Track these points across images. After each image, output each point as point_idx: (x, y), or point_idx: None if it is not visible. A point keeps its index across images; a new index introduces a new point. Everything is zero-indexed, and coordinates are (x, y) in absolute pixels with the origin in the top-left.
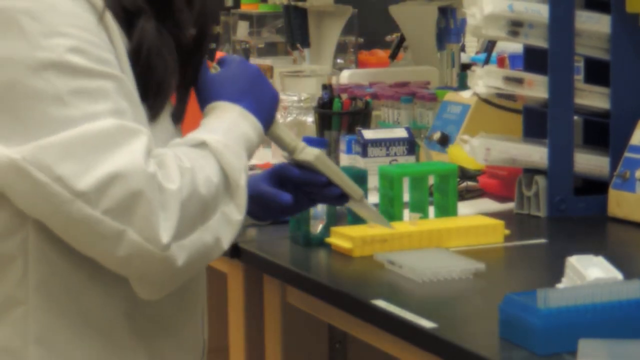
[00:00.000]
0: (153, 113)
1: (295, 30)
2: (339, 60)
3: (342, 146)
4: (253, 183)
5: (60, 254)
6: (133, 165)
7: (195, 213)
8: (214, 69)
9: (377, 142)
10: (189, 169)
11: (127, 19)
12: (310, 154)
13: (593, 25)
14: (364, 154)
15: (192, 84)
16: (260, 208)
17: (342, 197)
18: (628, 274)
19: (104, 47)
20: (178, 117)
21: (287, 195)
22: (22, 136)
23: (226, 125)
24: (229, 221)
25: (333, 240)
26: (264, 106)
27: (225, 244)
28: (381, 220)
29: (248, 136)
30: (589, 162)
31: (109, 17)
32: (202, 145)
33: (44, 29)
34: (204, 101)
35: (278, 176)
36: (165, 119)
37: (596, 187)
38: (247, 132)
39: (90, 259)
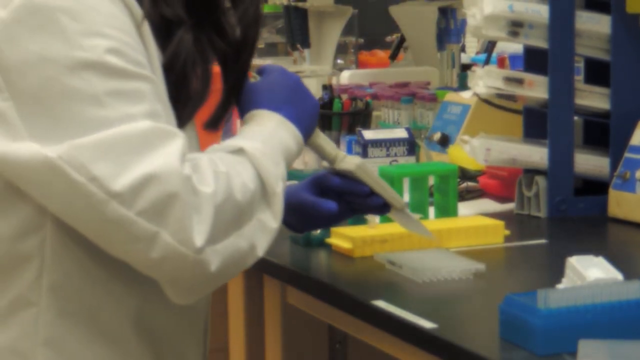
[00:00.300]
0: (179, 122)
1: (296, 31)
2: (339, 61)
3: (343, 147)
4: (293, 192)
5: (74, 257)
6: (168, 167)
7: (229, 218)
8: (253, 77)
9: (377, 143)
10: (224, 174)
11: (165, 27)
12: (351, 163)
13: (593, 26)
14: (364, 154)
15: (234, 91)
16: (300, 218)
17: (385, 206)
18: (628, 275)
19: (139, 50)
20: (215, 124)
21: (332, 203)
22: (57, 135)
23: (265, 133)
24: (264, 228)
25: (333, 240)
26: (304, 115)
27: (260, 251)
28: (423, 230)
29: (287, 145)
30: (589, 163)
31: (146, 26)
32: (239, 151)
33: (83, 29)
34: (244, 109)
35: (319, 185)
36: (189, 125)
37: (596, 188)
38: (286, 141)
39: (103, 264)
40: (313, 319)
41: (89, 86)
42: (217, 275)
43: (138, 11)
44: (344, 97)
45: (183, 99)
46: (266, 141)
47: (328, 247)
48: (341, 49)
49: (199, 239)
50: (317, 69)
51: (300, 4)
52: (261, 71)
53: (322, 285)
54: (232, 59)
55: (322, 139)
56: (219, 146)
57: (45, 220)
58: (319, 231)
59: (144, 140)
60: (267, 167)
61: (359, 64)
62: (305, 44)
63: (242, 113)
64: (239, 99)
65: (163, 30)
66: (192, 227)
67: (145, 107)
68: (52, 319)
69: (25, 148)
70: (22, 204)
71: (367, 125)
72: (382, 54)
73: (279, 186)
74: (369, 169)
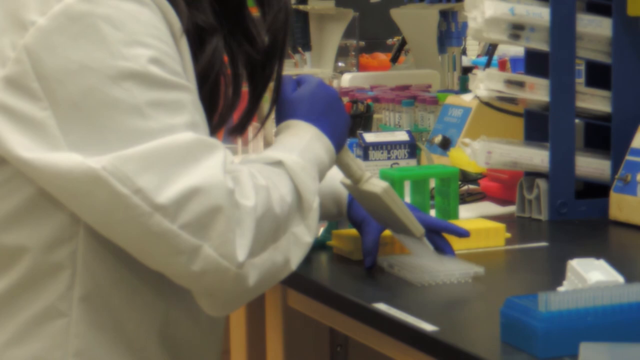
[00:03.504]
0: (211, 131)
1: (297, 34)
2: (340, 64)
3: None
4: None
5: (105, 268)
6: (213, 180)
7: (268, 232)
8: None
9: (378, 145)
10: (264, 187)
11: (199, 36)
12: (377, 186)
13: (594, 29)
14: (365, 157)
15: (260, 97)
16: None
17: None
18: (629, 277)
19: (177, 59)
20: (240, 130)
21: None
22: (100, 146)
23: (302, 146)
24: (299, 242)
25: (334, 243)
26: (337, 130)
27: (294, 265)
28: (435, 261)
29: (321, 159)
30: (590, 166)
31: (184, 36)
32: (278, 164)
33: (125, 38)
34: (280, 118)
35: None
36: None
37: (597, 191)
38: (320, 155)
39: (133, 275)
40: (314, 322)
41: (130, 96)
42: (253, 289)
43: (176, 21)
44: (345, 100)
45: (215, 107)
46: (303, 154)
47: (329, 249)
48: (342, 52)
49: (241, 253)
50: (318, 72)
51: (301, 7)
52: (300, 81)
53: (323, 288)
54: (260, 66)
55: (350, 157)
56: (257, 157)
57: (77, 230)
58: (320, 234)
59: (188, 152)
60: (305, 181)
61: (360, 67)
62: (307, 46)
63: (278, 121)
64: (273, 108)
65: (197, 39)
66: (235, 240)
67: (185, 117)
68: (82, 329)
69: (64, 158)
70: (55, 214)
71: (368, 128)
72: (383, 57)
73: (315, 201)
74: (394, 194)
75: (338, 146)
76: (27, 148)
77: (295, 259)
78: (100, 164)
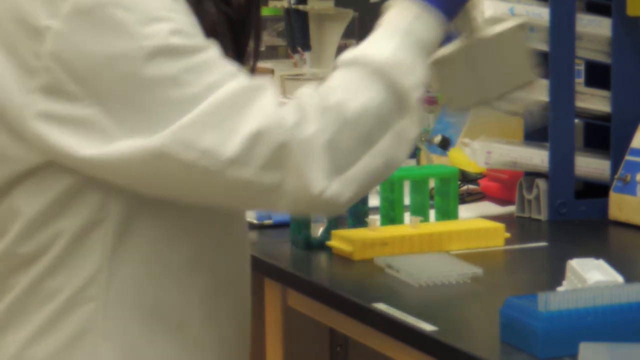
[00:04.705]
0: None
1: (296, 34)
2: None
3: None
4: None
5: (138, 251)
6: (269, 119)
7: (353, 144)
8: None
9: None
10: (334, 105)
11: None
12: (513, 20)
13: (594, 29)
14: None
15: (244, 55)
16: None
17: None
18: (629, 277)
19: (191, 22)
20: None
21: None
22: (152, 125)
23: (399, 35)
24: (402, 139)
25: (334, 243)
26: None
27: (400, 161)
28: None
29: (425, 39)
30: (589, 166)
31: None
32: (367, 64)
33: (140, 17)
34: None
35: None
36: None
37: (597, 191)
38: (423, 35)
39: (167, 257)
40: (314, 322)
41: (163, 71)
42: (352, 199)
43: None
44: None
45: None
46: (399, 47)
47: (328, 249)
48: (342, 52)
49: (320, 179)
50: (318, 72)
51: (300, 7)
52: None
53: (322, 288)
54: (239, 21)
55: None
56: (347, 58)
57: (108, 214)
58: (319, 234)
59: (236, 101)
60: (399, 78)
61: None
62: (306, 46)
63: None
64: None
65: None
66: (310, 169)
67: (220, 72)
68: (114, 311)
69: (124, 146)
70: (86, 199)
71: None
72: None
73: (413, 94)
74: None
75: (450, 12)
76: (84, 147)
77: (401, 156)
78: (160, 141)
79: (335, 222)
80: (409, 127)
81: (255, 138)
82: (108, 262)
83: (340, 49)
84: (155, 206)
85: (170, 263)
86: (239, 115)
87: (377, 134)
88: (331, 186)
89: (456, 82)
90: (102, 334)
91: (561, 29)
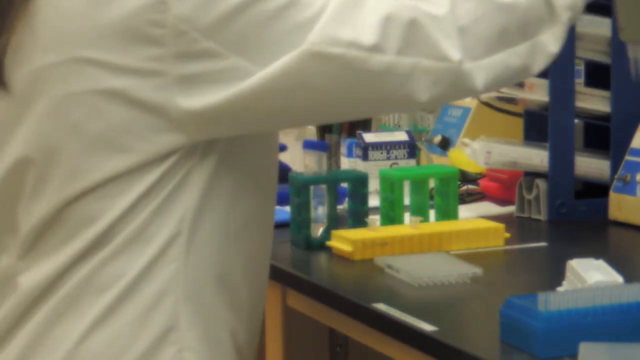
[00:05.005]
0: None
1: None
2: None
3: (343, 149)
4: None
5: (213, 216)
6: (392, 5)
7: (489, 35)
8: None
9: (377, 146)
10: None
11: None
12: None
13: (594, 29)
14: (365, 157)
15: None
16: None
17: None
18: (629, 277)
19: None
20: None
21: None
22: (290, 50)
23: None
24: (543, 50)
25: (334, 243)
26: None
27: (535, 70)
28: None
29: None
30: (589, 166)
31: None
32: None
33: None
34: None
35: None
36: None
37: (597, 191)
38: None
39: (239, 220)
40: (314, 322)
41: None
42: (489, 85)
43: None
44: None
45: None
46: None
47: (328, 250)
48: None
49: (454, 52)
50: None
51: None
52: None
53: (322, 288)
54: None
55: None
56: None
57: (196, 175)
58: (319, 234)
59: None
60: None
61: None
62: None
63: None
64: None
65: None
66: (442, 42)
67: None
68: (191, 274)
69: (265, 71)
70: (159, 168)
71: (367, 128)
72: None
73: (565, 14)
74: None
75: None
76: (223, 90)
77: (537, 66)
78: (308, 44)
79: (335, 222)
80: (550, 42)
81: (385, 21)
82: (187, 226)
83: None
84: (237, 162)
85: (235, 222)
86: (363, 5)
87: (518, 36)
88: (467, 64)
89: (635, 11)
90: (184, 295)
91: None
